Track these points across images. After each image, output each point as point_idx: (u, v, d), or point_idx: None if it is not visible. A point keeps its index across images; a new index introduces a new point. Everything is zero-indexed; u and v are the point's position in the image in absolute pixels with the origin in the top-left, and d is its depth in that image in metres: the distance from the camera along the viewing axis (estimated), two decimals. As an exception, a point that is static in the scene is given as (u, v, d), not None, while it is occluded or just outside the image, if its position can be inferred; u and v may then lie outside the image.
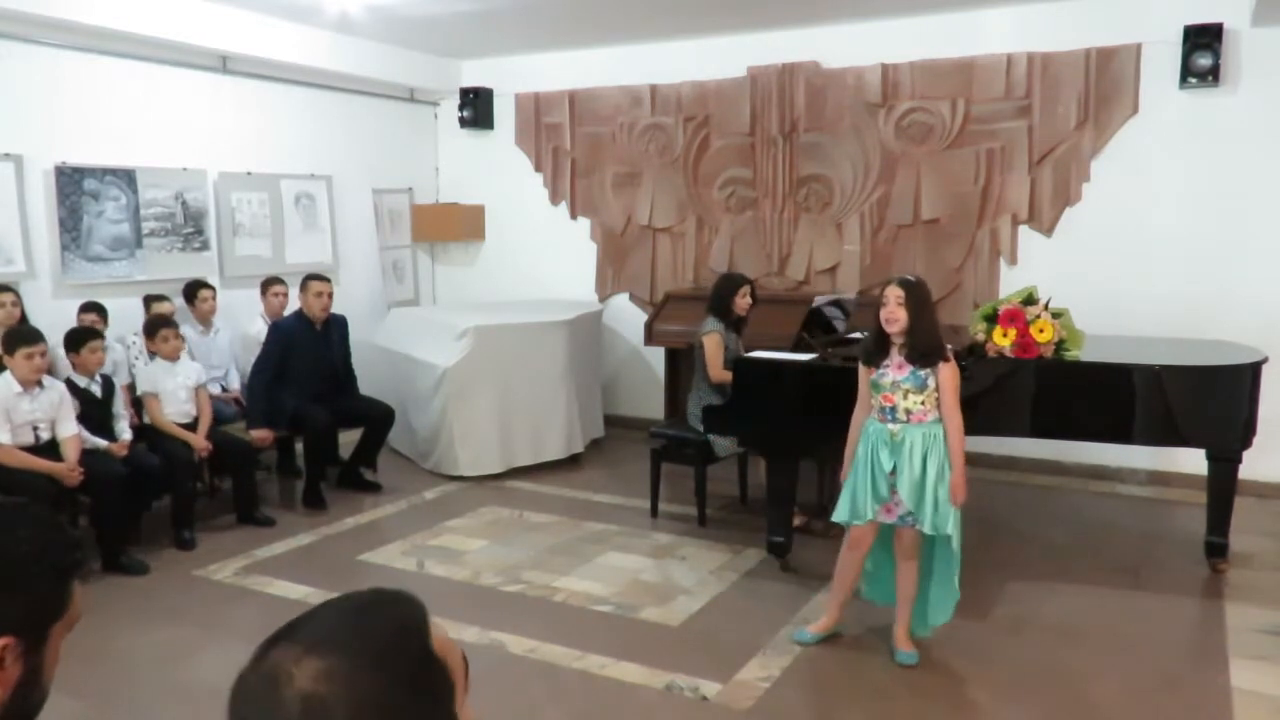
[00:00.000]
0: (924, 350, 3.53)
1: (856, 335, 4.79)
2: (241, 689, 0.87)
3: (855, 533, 3.72)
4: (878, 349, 3.62)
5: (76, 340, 4.90)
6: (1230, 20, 5.55)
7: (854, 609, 4.01)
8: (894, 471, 3.57)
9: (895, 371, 3.58)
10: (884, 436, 3.60)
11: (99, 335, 5.03)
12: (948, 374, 3.56)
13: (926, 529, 3.55)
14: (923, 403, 3.56)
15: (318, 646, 0.85)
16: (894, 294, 3.55)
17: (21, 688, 1.11)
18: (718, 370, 5.12)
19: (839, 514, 3.71)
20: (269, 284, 6.33)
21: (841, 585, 3.86)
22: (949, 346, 3.68)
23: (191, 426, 5.29)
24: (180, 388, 5.31)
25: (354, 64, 7.13)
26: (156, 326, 5.32)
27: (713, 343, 5.16)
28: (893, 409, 3.59)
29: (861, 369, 3.71)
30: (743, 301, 5.27)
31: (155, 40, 5.90)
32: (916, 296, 3.55)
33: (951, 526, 3.55)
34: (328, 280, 5.93)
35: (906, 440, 3.56)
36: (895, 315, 3.53)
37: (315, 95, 7.20)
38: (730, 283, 5.34)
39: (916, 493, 3.54)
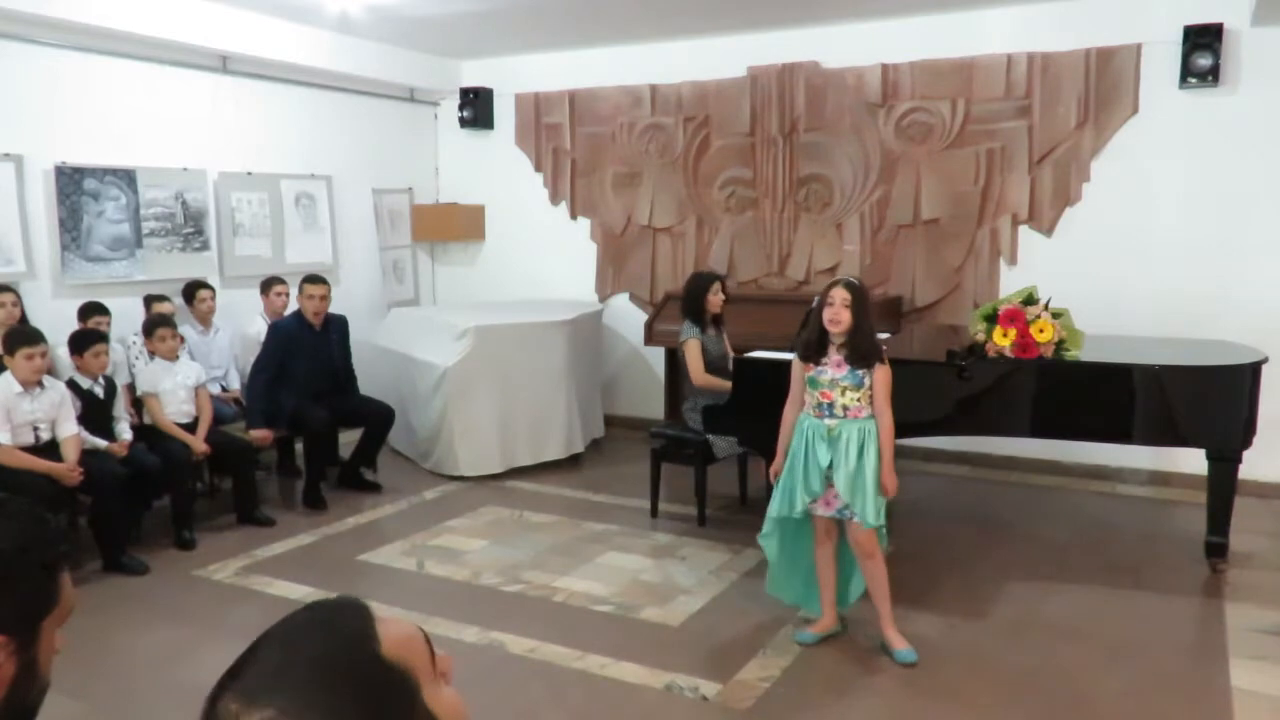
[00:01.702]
0: (864, 352, 3.66)
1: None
2: None
3: (818, 528, 3.82)
4: (818, 345, 3.71)
5: (81, 343, 4.90)
6: (1230, 20, 5.55)
7: (854, 609, 4.01)
8: (830, 466, 3.66)
9: (834, 370, 3.68)
10: (820, 431, 3.69)
11: (104, 339, 5.03)
12: (881, 375, 3.68)
13: (869, 520, 3.63)
14: (859, 399, 3.68)
15: (258, 694, 0.81)
16: (840, 296, 3.64)
17: (17, 684, 1.11)
18: (700, 376, 5.12)
19: (774, 508, 3.81)
20: (271, 284, 6.33)
21: (825, 583, 3.92)
22: (884, 349, 3.77)
23: (191, 427, 5.30)
24: (179, 387, 5.31)
25: (354, 64, 7.13)
26: (155, 326, 5.33)
27: (692, 350, 5.16)
28: (830, 405, 3.69)
29: (797, 364, 3.80)
30: (715, 299, 5.27)
31: (155, 40, 5.90)
32: (860, 300, 3.66)
33: (879, 517, 3.66)
34: (323, 283, 5.91)
35: (843, 435, 3.66)
36: (840, 317, 3.63)
37: (315, 95, 7.20)
38: (699, 282, 5.33)
39: (853, 485, 3.63)
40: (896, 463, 3.72)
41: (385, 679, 0.84)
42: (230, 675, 0.85)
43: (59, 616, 1.17)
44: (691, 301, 5.26)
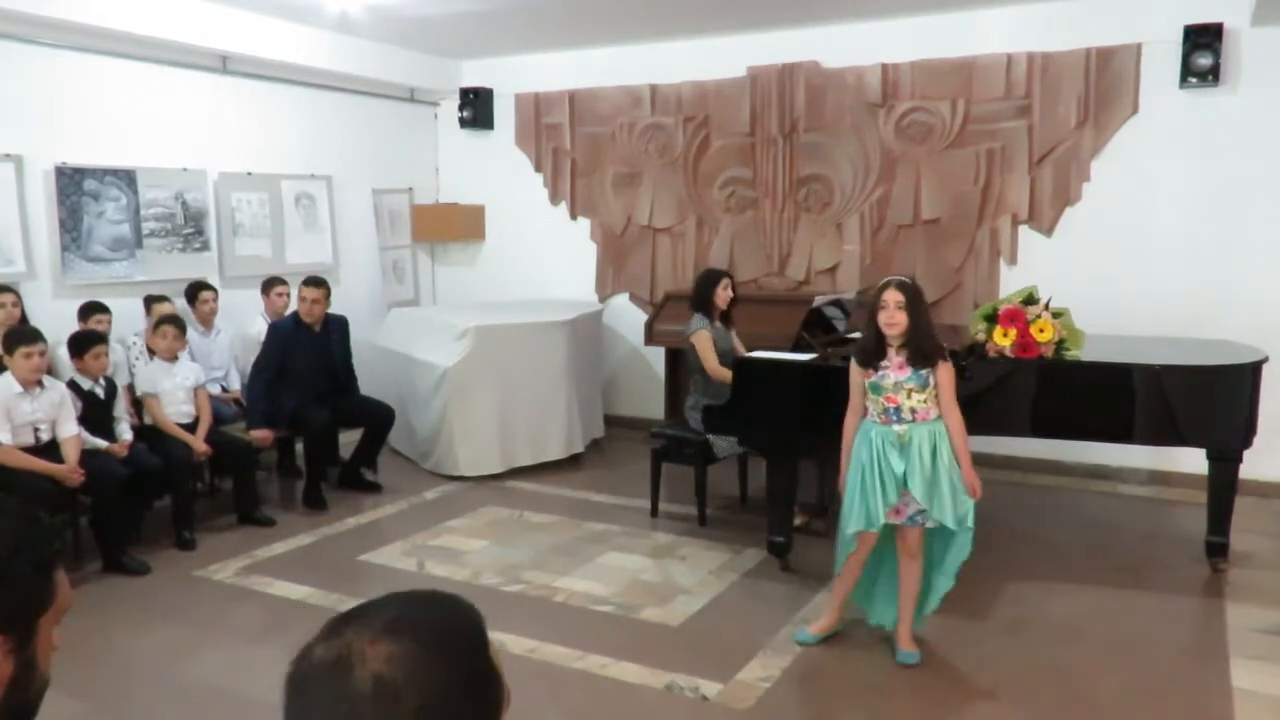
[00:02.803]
0: (926, 351, 3.57)
1: (856, 335, 4.78)
2: (309, 662, 0.88)
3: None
4: (876, 350, 3.63)
5: (80, 345, 4.90)
6: (1230, 20, 5.55)
7: (854, 610, 4.01)
8: (904, 473, 3.57)
9: (897, 372, 3.59)
10: (890, 439, 3.60)
11: (103, 340, 5.02)
12: (946, 372, 3.61)
13: (949, 523, 3.55)
14: (925, 400, 3.58)
15: (392, 630, 0.87)
16: (894, 298, 3.56)
17: (17, 682, 1.11)
18: (714, 365, 5.11)
19: (854, 523, 3.65)
20: (272, 284, 6.33)
21: (843, 586, 3.86)
22: (945, 346, 3.71)
23: (191, 427, 5.30)
24: (179, 388, 5.31)
25: (354, 64, 7.13)
26: (161, 323, 5.33)
27: (702, 340, 5.16)
28: (897, 409, 3.59)
29: (856, 372, 3.70)
30: (724, 294, 5.28)
31: (155, 40, 5.90)
32: (914, 299, 3.58)
33: (971, 518, 3.59)
34: (319, 286, 5.87)
35: (914, 440, 3.57)
36: (896, 319, 3.55)
37: (315, 95, 7.20)
38: (709, 277, 5.35)
39: (931, 489, 3.54)
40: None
41: (489, 675, 0.92)
42: (359, 610, 0.91)
43: (55, 613, 1.17)
44: (701, 295, 5.28)
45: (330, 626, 0.90)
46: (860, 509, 3.63)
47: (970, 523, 3.59)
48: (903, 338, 3.57)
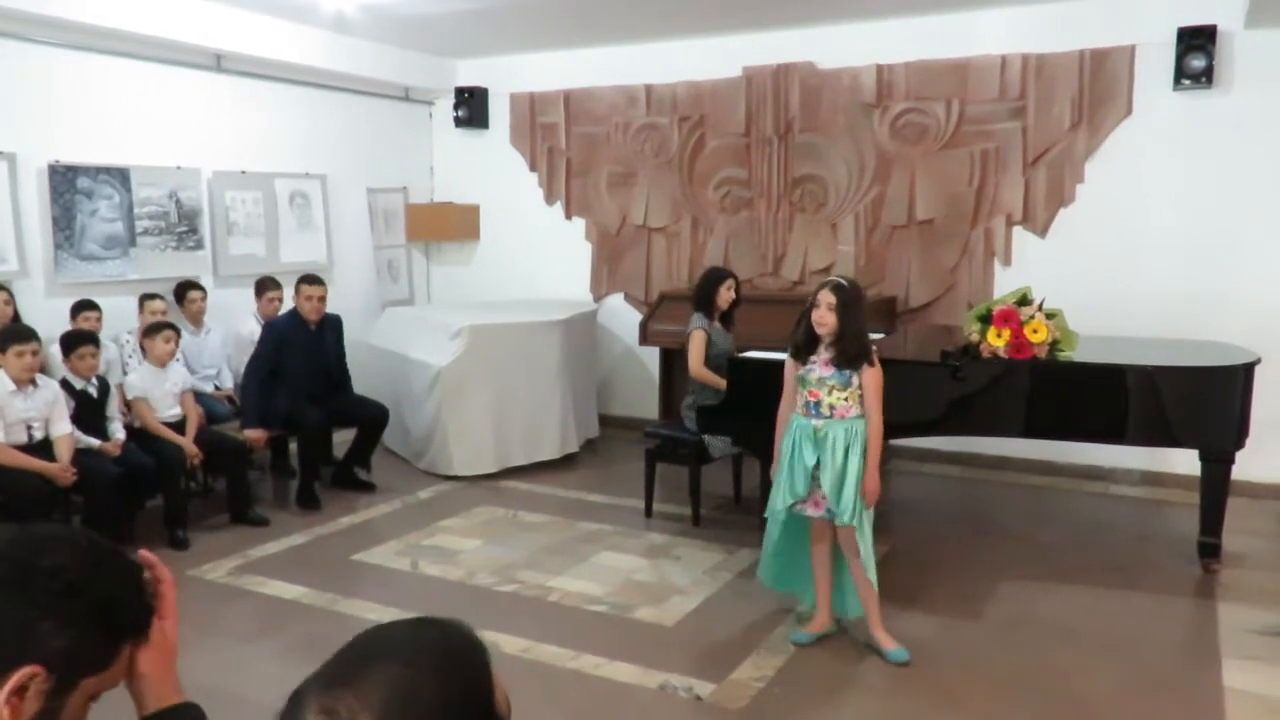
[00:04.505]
0: (851, 355, 3.65)
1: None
2: None
3: (814, 527, 3.82)
4: (807, 345, 3.71)
5: (67, 345, 4.90)
6: (1223, 22, 5.56)
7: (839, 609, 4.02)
8: (818, 465, 3.66)
9: (822, 368, 3.68)
10: (808, 432, 3.69)
11: (92, 340, 5.00)
12: (871, 376, 3.67)
13: (846, 520, 3.63)
14: (846, 399, 3.67)
15: (390, 713, 0.82)
16: (826, 299, 3.63)
17: None
18: (697, 367, 5.14)
19: (771, 505, 3.83)
20: (264, 288, 6.31)
21: (821, 583, 3.92)
22: (874, 350, 3.75)
23: (178, 426, 5.28)
24: (167, 394, 5.30)
25: (349, 63, 7.12)
26: (160, 327, 5.31)
27: (696, 341, 5.18)
28: (817, 404, 3.69)
29: (789, 362, 3.80)
30: (727, 294, 5.29)
31: (149, 38, 5.88)
32: (847, 301, 3.63)
33: (859, 519, 3.63)
34: (320, 284, 5.88)
35: (829, 435, 3.65)
36: (825, 320, 3.63)
37: (310, 94, 7.19)
38: (714, 276, 5.36)
39: (836, 485, 3.63)
40: (889, 463, 3.72)
41: None
42: (346, 672, 0.84)
43: (99, 684, 1.13)
44: (703, 294, 5.29)
45: (322, 683, 0.84)
46: (775, 494, 3.79)
47: (855, 521, 3.62)
48: (831, 337, 3.64)
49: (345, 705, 0.82)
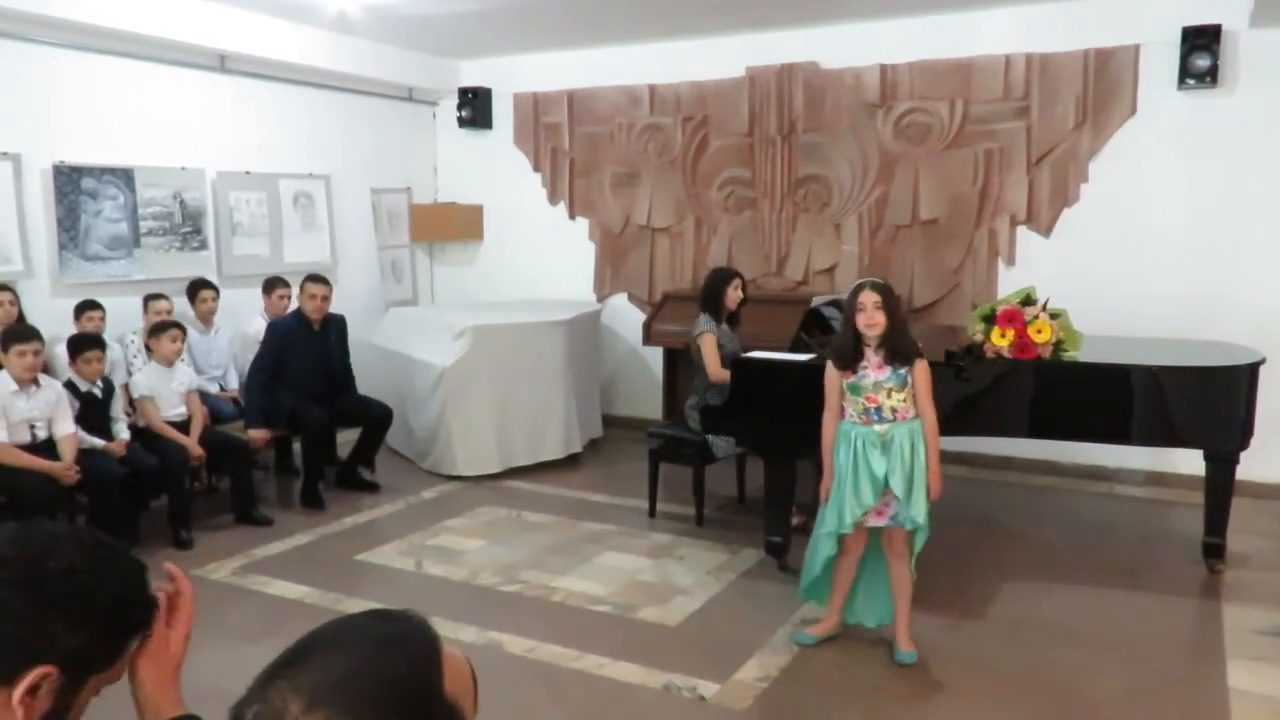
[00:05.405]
0: (903, 350, 3.62)
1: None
2: None
3: (848, 538, 3.73)
4: (854, 353, 3.65)
5: (73, 349, 4.91)
6: (1228, 21, 5.55)
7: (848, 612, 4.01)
8: (885, 473, 3.59)
9: (876, 372, 3.63)
10: (872, 439, 3.62)
11: (98, 344, 5.01)
12: (923, 369, 3.65)
13: (919, 521, 3.60)
14: (904, 399, 3.63)
15: (319, 697, 0.81)
16: (871, 299, 3.59)
17: None
18: (716, 370, 5.09)
19: (829, 523, 3.70)
20: (273, 286, 6.32)
21: (839, 589, 3.87)
22: (920, 344, 3.75)
23: (182, 425, 5.29)
24: (173, 394, 5.31)
25: (352, 63, 7.13)
26: (167, 326, 5.32)
27: (708, 344, 5.12)
28: (878, 409, 3.62)
29: (832, 374, 3.72)
30: (734, 294, 5.26)
31: (153, 39, 5.89)
32: (889, 298, 3.63)
33: (925, 518, 3.62)
34: (324, 283, 5.90)
35: (896, 439, 3.60)
36: (876, 320, 3.59)
37: (314, 95, 7.19)
38: (720, 276, 5.32)
39: (907, 488, 3.59)
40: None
41: (441, 715, 0.86)
42: (286, 665, 0.85)
43: (104, 680, 1.15)
44: (710, 295, 5.24)
45: (260, 683, 0.84)
46: (834, 511, 3.67)
47: (924, 521, 3.61)
48: (881, 338, 3.60)
49: (279, 693, 0.82)
